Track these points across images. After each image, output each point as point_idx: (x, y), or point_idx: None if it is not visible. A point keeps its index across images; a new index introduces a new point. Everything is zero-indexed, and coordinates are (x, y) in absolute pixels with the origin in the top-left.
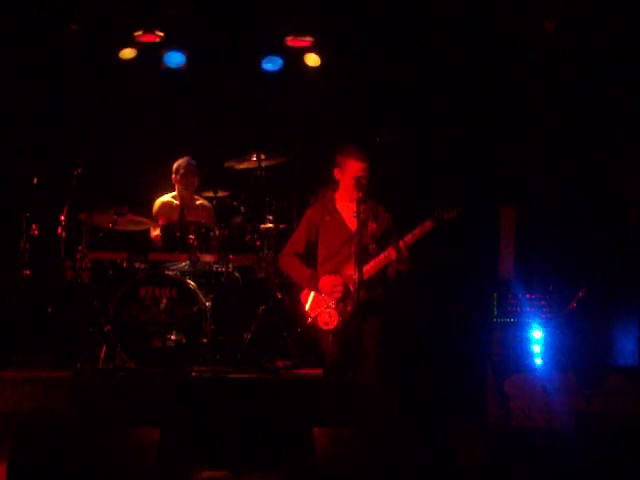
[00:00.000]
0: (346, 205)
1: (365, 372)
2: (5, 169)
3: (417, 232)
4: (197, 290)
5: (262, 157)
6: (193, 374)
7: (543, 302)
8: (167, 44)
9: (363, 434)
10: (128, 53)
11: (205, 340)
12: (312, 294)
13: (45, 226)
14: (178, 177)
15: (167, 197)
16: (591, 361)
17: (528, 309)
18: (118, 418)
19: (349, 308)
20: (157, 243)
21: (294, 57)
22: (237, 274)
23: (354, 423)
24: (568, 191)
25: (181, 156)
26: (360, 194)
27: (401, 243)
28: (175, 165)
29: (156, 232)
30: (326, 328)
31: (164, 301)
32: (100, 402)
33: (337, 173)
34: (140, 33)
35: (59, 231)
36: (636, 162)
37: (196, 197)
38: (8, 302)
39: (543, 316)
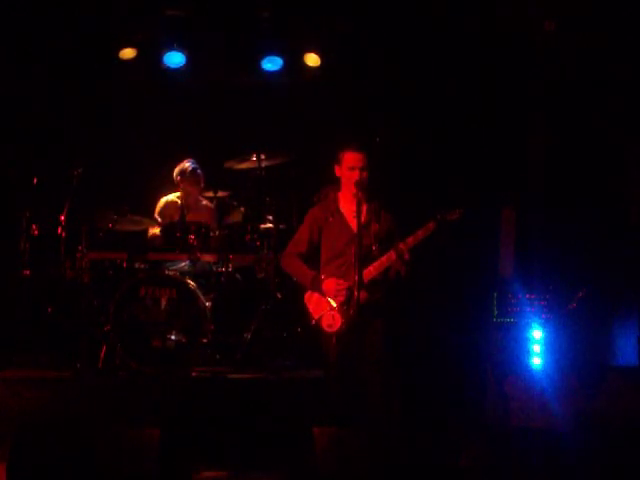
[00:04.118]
0: (349, 206)
1: (366, 373)
2: (5, 169)
3: (419, 234)
4: (197, 290)
5: (262, 157)
6: (193, 374)
7: (543, 302)
8: (167, 44)
9: (363, 434)
10: (128, 53)
11: (205, 340)
12: (315, 296)
13: (45, 226)
14: (186, 178)
15: (172, 197)
16: (591, 361)
17: (528, 309)
18: (118, 418)
19: (352, 311)
20: (155, 242)
21: (294, 57)
22: (237, 274)
23: (354, 423)
24: (568, 191)
25: (181, 156)
26: (361, 194)
27: (403, 245)
28: (179, 168)
29: (154, 231)
30: (329, 330)
31: (164, 301)
32: (100, 402)
33: (337, 170)
34: (140, 33)
35: (59, 231)
36: (636, 162)
37: (200, 198)
38: (8, 302)
39: (543, 316)
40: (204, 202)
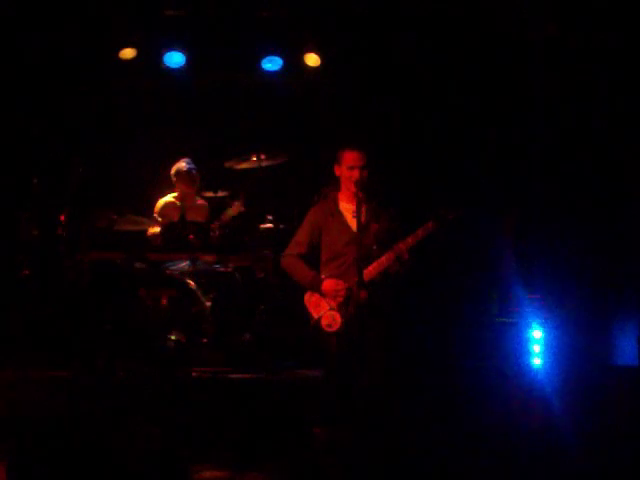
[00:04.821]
0: (349, 205)
1: (366, 373)
2: (5, 169)
3: (419, 233)
4: (197, 290)
5: (262, 157)
6: (193, 374)
7: (543, 302)
8: (167, 44)
9: (363, 434)
10: (128, 53)
11: (205, 340)
12: (315, 296)
13: (45, 226)
14: (181, 178)
15: (169, 197)
16: (591, 361)
17: (528, 309)
18: (118, 418)
19: (352, 311)
20: (154, 241)
21: (294, 57)
22: (237, 274)
23: (354, 423)
24: (568, 190)
25: (180, 157)
26: (361, 194)
27: (402, 245)
28: (175, 168)
29: (153, 230)
30: (329, 330)
31: (164, 301)
32: (100, 402)
33: (336, 169)
34: (140, 33)
35: (59, 231)
36: (637, 162)
37: (197, 197)
38: (8, 302)
39: (543, 316)
40: (199, 201)
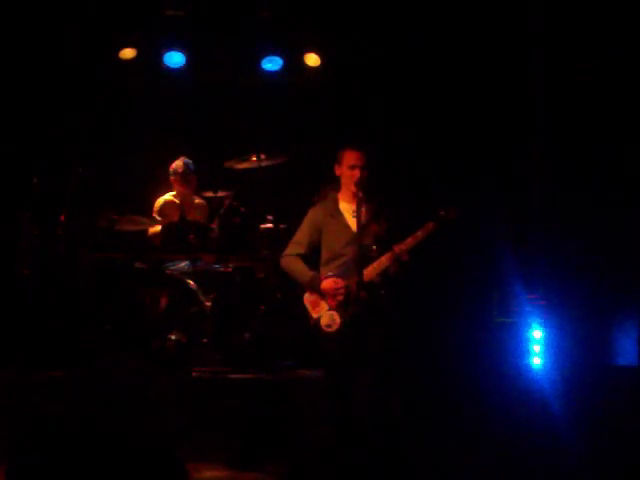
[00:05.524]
0: (349, 205)
1: (366, 373)
2: (5, 169)
3: (419, 234)
4: (197, 290)
5: (262, 157)
6: (193, 374)
7: (543, 302)
8: (167, 44)
9: (362, 434)
10: (128, 53)
11: (205, 340)
12: (314, 296)
13: (45, 226)
14: (177, 178)
15: (168, 196)
16: (591, 361)
17: (528, 309)
18: (118, 418)
19: (351, 311)
20: (155, 240)
21: (294, 57)
22: (237, 274)
23: (354, 423)
24: (568, 190)
25: (178, 156)
26: (361, 194)
27: (402, 246)
28: (172, 167)
29: (154, 229)
30: (328, 330)
31: (164, 301)
32: (99, 403)
33: (336, 169)
34: (140, 33)
35: (59, 231)
36: (637, 162)
37: (194, 196)
38: (8, 302)
39: (543, 316)
40: (198, 201)
